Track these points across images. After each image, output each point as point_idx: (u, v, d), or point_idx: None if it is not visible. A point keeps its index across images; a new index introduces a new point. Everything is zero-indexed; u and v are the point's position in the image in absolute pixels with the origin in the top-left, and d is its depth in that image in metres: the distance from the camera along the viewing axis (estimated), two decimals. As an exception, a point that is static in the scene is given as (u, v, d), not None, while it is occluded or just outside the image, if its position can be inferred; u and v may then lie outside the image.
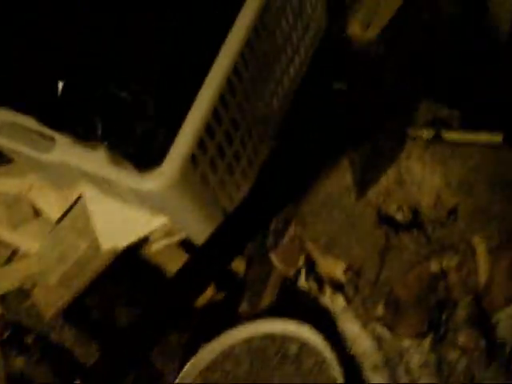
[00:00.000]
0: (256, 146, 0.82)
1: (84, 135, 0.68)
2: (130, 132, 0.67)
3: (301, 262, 0.76)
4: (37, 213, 1.02)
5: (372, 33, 0.89)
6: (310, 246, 0.70)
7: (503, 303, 0.76)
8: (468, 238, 0.67)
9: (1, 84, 0.71)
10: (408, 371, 0.69)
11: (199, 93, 0.67)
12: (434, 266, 0.67)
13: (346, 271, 0.68)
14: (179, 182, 0.65)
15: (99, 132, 0.67)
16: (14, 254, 1.08)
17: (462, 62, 0.87)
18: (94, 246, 0.95)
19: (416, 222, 0.69)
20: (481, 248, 0.67)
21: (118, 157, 0.66)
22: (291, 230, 0.77)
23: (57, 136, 0.69)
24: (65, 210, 0.98)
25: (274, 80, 0.83)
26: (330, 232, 0.70)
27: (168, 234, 0.99)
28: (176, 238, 0.99)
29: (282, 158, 0.78)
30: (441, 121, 0.79)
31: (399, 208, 0.71)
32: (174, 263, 1.07)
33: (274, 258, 0.78)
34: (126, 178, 0.66)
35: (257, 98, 0.78)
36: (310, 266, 0.77)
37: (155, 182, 0.64)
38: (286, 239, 0.78)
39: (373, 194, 0.69)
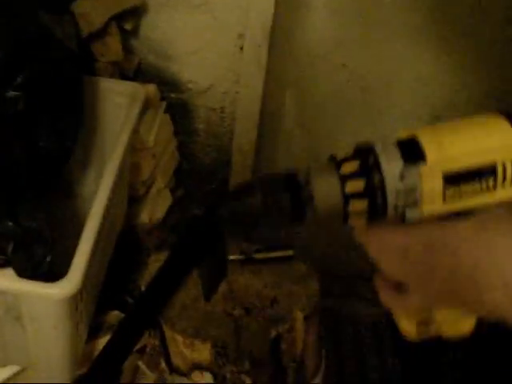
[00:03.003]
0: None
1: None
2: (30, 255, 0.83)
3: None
4: None
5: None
6: (179, 338, 0.89)
7: (313, 372, 1.04)
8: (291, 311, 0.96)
9: None
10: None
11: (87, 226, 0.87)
12: (272, 334, 0.93)
13: (212, 348, 0.88)
14: (79, 291, 0.81)
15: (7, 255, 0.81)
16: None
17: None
18: None
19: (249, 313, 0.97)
20: (299, 321, 0.95)
21: (24, 274, 0.80)
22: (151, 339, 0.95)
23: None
24: None
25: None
26: (193, 326, 0.92)
27: None
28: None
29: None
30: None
31: (234, 307, 0.98)
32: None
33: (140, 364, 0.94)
34: (38, 287, 0.79)
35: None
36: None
37: (64, 287, 0.79)
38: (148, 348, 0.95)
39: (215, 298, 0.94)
